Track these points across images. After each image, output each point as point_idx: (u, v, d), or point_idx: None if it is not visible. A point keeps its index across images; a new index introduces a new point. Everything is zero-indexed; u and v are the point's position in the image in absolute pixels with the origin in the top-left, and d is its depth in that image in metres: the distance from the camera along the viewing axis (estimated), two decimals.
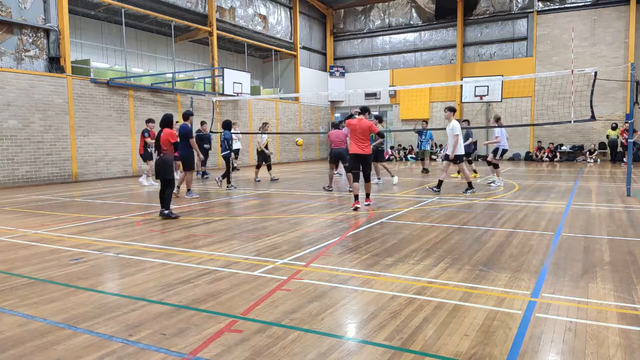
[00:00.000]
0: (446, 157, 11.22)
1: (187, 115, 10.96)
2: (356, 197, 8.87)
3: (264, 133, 14.04)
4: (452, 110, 10.95)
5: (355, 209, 8.72)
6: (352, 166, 9.09)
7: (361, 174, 9.04)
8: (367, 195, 9.28)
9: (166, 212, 8.13)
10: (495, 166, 12.53)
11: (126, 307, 3.88)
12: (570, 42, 22.33)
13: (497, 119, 13.08)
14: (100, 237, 6.68)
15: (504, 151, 12.62)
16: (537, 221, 7.43)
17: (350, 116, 9.85)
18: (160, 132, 8.31)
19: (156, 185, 13.85)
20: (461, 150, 10.97)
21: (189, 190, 10.94)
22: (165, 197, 8.17)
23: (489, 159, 12.85)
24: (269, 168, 14.65)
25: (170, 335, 3.30)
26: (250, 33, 23.40)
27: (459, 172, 15.40)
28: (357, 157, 8.89)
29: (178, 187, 10.98)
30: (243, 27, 23.04)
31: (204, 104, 19.99)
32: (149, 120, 13.61)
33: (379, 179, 13.44)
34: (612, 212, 8.16)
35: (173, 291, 4.25)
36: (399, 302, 3.88)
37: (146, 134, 13.40)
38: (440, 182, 11.02)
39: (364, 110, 9.19)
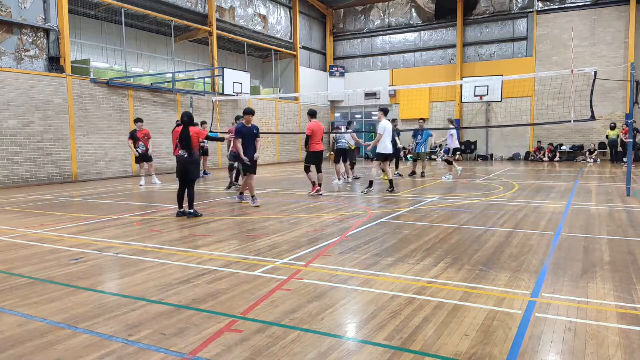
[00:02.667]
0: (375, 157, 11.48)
1: (246, 113, 9.68)
2: (313, 183, 10.94)
3: (347, 132, 13.92)
4: (382, 110, 11.06)
5: (317, 191, 10.78)
6: (312, 162, 11.03)
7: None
8: (319, 185, 10.96)
9: (193, 211, 8.21)
10: (449, 162, 14.55)
11: (126, 307, 3.88)
12: (570, 42, 22.30)
13: (451, 122, 15.80)
14: (100, 237, 6.68)
15: (455, 150, 14.53)
16: (537, 221, 7.43)
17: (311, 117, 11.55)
18: (185, 130, 8.06)
19: (159, 184, 13.92)
20: (385, 150, 10.95)
21: (241, 193, 10.15)
22: (191, 197, 8.23)
23: (445, 158, 15.25)
24: (352, 167, 14.58)
25: (170, 335, 3.30)
26: (250, 33, 23.39)
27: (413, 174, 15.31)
28: (318, 154, 10.97)
29: (242, 193, 10.13)
30: (243, 27, 23.03)
31: (204, 104, 19.98)
32: (138, 120, 13.65)
33: (347, 178, 14.09)
34: (612, 212, 8.16)
35: (173, 291, 4.25)
36: (399, 302, 3.88)
37: (131, 135, 13.51)
38: (371, 182, 11.19)
39: (314, 114, 11.08)
